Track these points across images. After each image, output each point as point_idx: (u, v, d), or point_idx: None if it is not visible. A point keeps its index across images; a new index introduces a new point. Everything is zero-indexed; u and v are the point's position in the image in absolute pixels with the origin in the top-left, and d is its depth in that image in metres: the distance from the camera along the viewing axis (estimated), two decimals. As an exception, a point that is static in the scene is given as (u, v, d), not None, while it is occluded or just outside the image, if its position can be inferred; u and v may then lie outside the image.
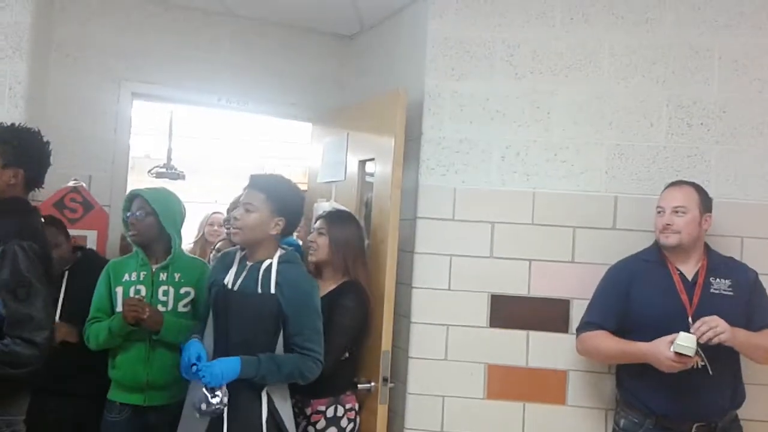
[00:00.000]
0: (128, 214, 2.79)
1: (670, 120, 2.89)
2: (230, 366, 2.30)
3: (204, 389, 2.29)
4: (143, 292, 2.73)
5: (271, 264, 2.45)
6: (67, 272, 2.92)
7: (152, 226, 2.76)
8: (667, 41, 2.90)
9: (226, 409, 2.31)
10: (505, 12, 3.00)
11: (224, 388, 2.30)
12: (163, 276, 2.77)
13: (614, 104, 2.92)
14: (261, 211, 2.43)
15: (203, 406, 2.29)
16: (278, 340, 2.43)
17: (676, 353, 2.27)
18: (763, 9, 2.87)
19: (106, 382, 2.76)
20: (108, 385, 2.76)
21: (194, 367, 2.31)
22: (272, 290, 2.40)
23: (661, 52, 2.90)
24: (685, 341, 2.27)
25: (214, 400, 2.28)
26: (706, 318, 2.31)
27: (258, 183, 2.49)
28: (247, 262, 2.49)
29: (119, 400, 2.72)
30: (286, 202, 2.47)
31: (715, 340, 2.29)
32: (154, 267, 2.77)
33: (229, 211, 3.76)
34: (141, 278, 2.75)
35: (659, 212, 2.56)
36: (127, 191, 3.46)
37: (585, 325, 2.61)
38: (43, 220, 2.53)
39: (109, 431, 2.73)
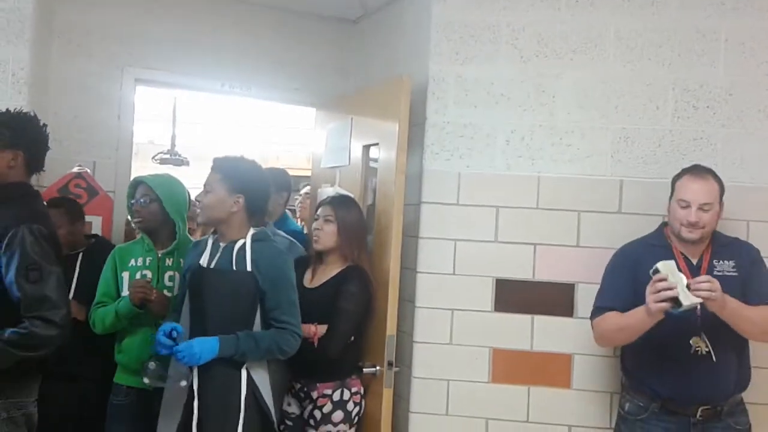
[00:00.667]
0: (132, 201, 2.80)
1: (676, 103, 2.88)
2: (208, 345, 2.35)
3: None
4: (149, 277, 2.75)
5: (244, 243, 2.50)
6: (81, 254, 2.97)
7: (156, 212, 2.77)
8: (673, 24, 2.88)
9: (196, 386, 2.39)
10: (510, -5, 2.98)
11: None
12: (168, 261, 2.79)
13: (620, 88, 2.91)
14: (217, 191, 2.49)
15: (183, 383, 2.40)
16: (256, 318, 2.47)
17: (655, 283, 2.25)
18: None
19: (111, 366, 2.79)
20: (113, 370, 2.79)
21: (174, 348, 2.35)
22: (248, 267, 2.45)
23: (667, 35, 2.88)
24: (663, 266, 2.27)
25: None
26: (708, 276, 2.29)
27: (216, 165, 2.56)
28: (220, 244, 2.53)
29: (125, 383, 2.75)
30: (242, 180, 2.51)
31: (708, 301, 2.25)
32: (160, 252, 2.79)
33: None
34: (147, 263, 2.77)
35: (683, 206, 2.48)
36: (132, 177, 3.48)
37: (596, 311, 2.59)
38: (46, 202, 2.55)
39: (114, 414, 2.76)
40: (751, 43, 2.84)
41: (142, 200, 2.76)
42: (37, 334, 2.10)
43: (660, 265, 2.29)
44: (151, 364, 2.58)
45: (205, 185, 2.54)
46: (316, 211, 2.89)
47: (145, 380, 2.62)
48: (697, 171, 2.54)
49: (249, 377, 2.44)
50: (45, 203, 2.56)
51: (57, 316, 2.13)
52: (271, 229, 2.73)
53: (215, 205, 2.50)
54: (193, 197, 2.99)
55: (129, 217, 3.03)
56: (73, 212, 3.01)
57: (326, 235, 2.79)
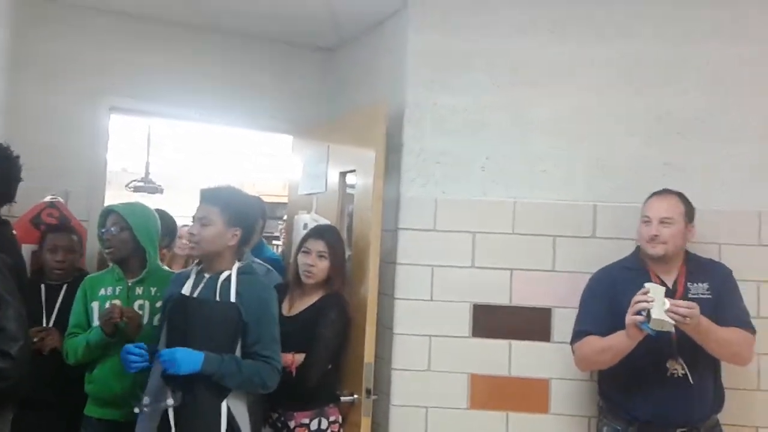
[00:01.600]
0: (103, 230, 2.77)
1: (649, 130, 2.93)
2: (192, 357, 2.30)
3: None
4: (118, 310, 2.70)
5: (230, 275, 2.46)
6: (66, 286, 2.95)
7: (127, 241, 2.75)
8: (646, 53, 2.95)
9: (171, 410, 2.33)
10: (486, 24, 3.02)
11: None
12: (138, 290, 2.76)
13: (593, 115, 2.96)
14: (216, 224, 2.45)
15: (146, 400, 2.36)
16: (237, 351, 2.43)
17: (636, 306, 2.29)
18: (736, 21, 2.93)
19: (83, 397, 2.72)
20: (85, 401, 2.72)
21: (160, 353, 2.33)
22: (233, 299, 2.42)
23: (640, 63, 2.95)
24: (652, 285, 2.32)
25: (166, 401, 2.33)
26: (689, 303, 2.31)
27: (210, 196, 2.51)
28: (205, 275, 2.50)
29: (95, 415, 2.69)
30: (240, 213, 2.49)
31: (683, 322, 2.27)
32: (130, 281, 2.76)
33: None
34: (117, 293, 2.74)
35: (645, 221, 2.57)
36: (104, 206, 3.44)
37: (576, 335, 2.61)
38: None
39: None
40: (722, 70, 2.92)
41: (113, 229, 2.73)
42: None
43: (649, 284, 2.33)
44: (146, 399, 2.42)
45: (200, 218, 2.47)
46: (303, 243, 2.83)
47: (170, 402, 2.38)
48: (661, 191, 2.62)
49: (229, 411, 2.38)
50: (14, 232, 2.52)
51: (13, 349, 2.06)
52: (248, 257, 2.71)
53: (214, 239, 2.45)
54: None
55: (99, 247, 3.00)
56: (80, 242, 3.06)
57: (320, 271, 2.77)
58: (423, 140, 3.02)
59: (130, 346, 2.39)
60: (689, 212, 2.57)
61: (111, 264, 2.81)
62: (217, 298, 2.42)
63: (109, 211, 2.80)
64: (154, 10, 3.54)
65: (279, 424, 2.68)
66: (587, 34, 2.98)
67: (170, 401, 2.33)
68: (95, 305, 2.72)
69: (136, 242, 2.74)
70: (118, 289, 2.74)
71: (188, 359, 2.29)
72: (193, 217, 2.52)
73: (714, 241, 2.82)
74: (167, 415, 2.35)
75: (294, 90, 3.92)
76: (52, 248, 2.96)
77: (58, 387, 2.77)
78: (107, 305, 2.70)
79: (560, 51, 2.98)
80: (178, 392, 2.34)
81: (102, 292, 2.74)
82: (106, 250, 2.78)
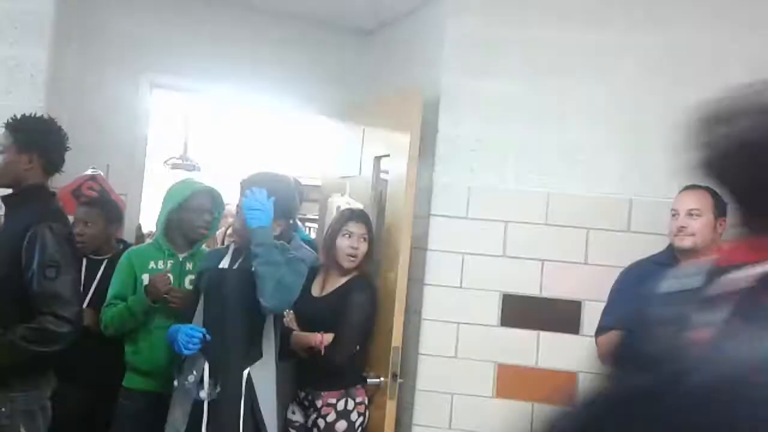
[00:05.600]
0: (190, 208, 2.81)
1: (688, 123, 2.87)
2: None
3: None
4: (170, 281, 2.75)
5: None
6: (106, 261, 2.97)
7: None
8: (688, 43, 2.88)
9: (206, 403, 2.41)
10: (524, 11, 2.99)
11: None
12: (189, 266, 2.79)
13: (631, 106, 2.91)
14: (269, 212, 2.49)
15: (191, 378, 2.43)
16: (270, 319, 2.49)
17: None
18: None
19: (113, 374, 2.75)
20: (115, 379, 2.74)
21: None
22: None
23: (682, 54, 2.88)
24: None
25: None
26: None
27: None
28: (244, 252, 2.55)
29: (136, 386, 2.71)
30: (283, 208, 2.56)
31: None
32: (181, 256, 2.79)
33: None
34: (168, 267, 2.77)
35: (673, 215, 2.55)
36: (144, 180, 3.51)
37: (600, 330, 2.60)
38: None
39: (125, 420, 2.70)
40: (762, 62, 2.83)
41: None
42: (50, 330, 2.14)
43: None
44: (191, 377, 2.45)
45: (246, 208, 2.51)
46: (342, 226, 2.82)
47: (202, 395, 2.45)
48: (691, 185, 2.56)
49: (250, 384, 2.44)
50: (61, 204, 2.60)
51: (69, 313, 2.17)
52: (297, 241, 2.73)
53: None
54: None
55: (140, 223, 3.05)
56: (109, 214, 3.03)
57: (362, 254, 2.79)
58: (458, 127, 3.01)
59: (188, 328, 2.43)
60: (720, 205, 2.52)
61: (156, 237, 2.85)
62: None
63: (201, 191, 2.82)
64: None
65: (306, 403, 2.72)
66: (626, 24, 2.92)
67: (203, 394, 2.40)
68: (145, 278, 2.72)
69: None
70: (169, 263, 2.77)
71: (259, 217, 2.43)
72: (237, 207, 2.56)
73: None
74: (200, 405, 2.41)
75: (330, 71, 3.93)
76: (75, 221, 2.90)
77: (93, 363, 2.72)
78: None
79: (598, 40, 2.94)
80: (217, 386, 2.40)
81: (152, 265, 2.76)
82: (202, 229, 2.80)
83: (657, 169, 2.88)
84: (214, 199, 2.84)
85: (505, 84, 2.99)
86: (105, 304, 2.74)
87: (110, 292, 2.76)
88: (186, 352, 2.42)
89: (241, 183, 2.59)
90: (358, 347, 2.76)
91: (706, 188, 2.54)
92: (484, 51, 3.00)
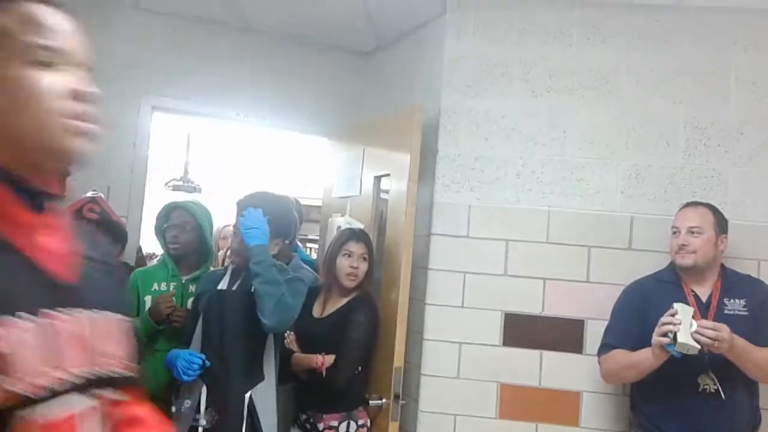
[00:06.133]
0: (166, 224, 2.81)
1: (687, 140, 2.89)
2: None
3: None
4: (173, 301, 2.75)
5: None
6: None
7: (192, 239, 2.81)
8: (684, 61, 2.90)
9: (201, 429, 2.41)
10: (523, 31, 3.01)
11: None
12: (192, 288, 2.79)
13: (631, 124, 2.92)
14: (266, 232, 2.50)
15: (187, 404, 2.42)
16: (269, 340, 2.50)
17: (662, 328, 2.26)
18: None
19: None
20: None
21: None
22: None
23: (678, 73, 2.90)
24: (680, 306, 2.28)
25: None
26: (717, 324, 2.26)
27: (252, 205, 2.55)
28: (242, 272, 2.55)
29: None
30: (280, 226, 2.57)
31: (712, 345, 2.23)
32: (184, 278, 2.79)
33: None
34: (171, 289, 2.77)
35: (674, 232, 2.55)
36: (145, 202, 3.50)
37: (602, 348, 2.59)
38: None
39: None
40: (762, 81, 2.86)
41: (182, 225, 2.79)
42: None
43: (678, 304, 2.29)
44: (187, 402, 2.45)
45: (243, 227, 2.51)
46: (342, 245, 2.81)
47: (201, 422, 2.43)
48: (691, 202, 2.59)
49: (252, 408, 2.42)
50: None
51: None
52: (297, 261, 2.72)
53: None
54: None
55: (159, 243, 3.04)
56: (114, 236, 2.98)
57: (362, 273, 2.79)
58: (458, 146, 3.02)
59: (187, 353, 2.42)
60: (720, 223, 2.52)
61: (163, 259, 2.85)
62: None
63: (174, 207, 2.84)
64: (197, 11, 3.60)
65: (308, 426, 2.70)
66: (625, 43, 2.94)
67: (203, 421, 2.38)
68: (148, 299, 2.74)
69: (199, 240, 2.79)
70: (172, 285, 2.78)
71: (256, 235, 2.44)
72: (234, 227, 2.56)
73: (753, 256, 2.76)
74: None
75: (329, 92, 3.94)
76: None
77: None
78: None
79: (597, 59, 2.95)
80: (214, 413, 2.38)
81: (155, 287, 2.77)
82: (173, 246, 2.80)
83: (657, 186, 2.88)
84: (190, 212, 2.82)
85: (505, 103, 3.00)
86: None
87: None
88: (185, 378, 2.40)
89: (237, 203, 2.59)
90: (359, 368, 2.74)
91: (707, 205, 2.55)
92: (483, 70, 3.02)
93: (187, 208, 2.80)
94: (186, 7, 3.58)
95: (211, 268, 2.95)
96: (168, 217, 2.82)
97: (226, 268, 2.66)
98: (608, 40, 2.96)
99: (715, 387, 2.38)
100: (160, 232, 2.85)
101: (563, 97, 2.97)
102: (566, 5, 2.98)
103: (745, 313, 2.44)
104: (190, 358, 2.40)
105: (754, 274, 2.70)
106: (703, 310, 2.44)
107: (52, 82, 0.94)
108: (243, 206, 2.55)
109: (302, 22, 3.63)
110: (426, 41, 3.34)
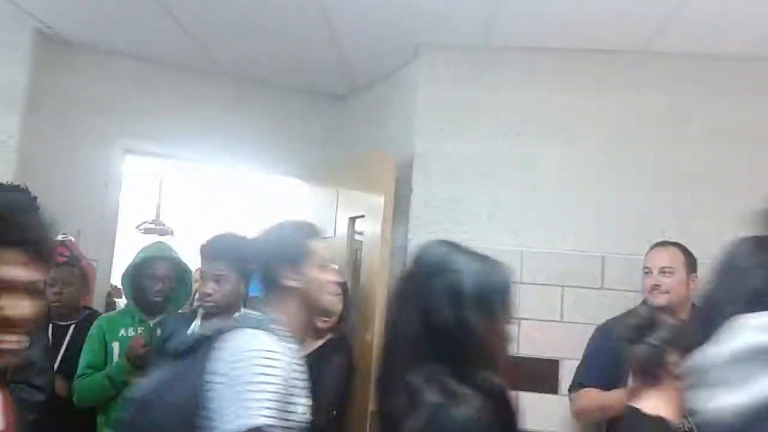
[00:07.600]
0: (152, 271, 2.77)
1: (656, 182, 2.95)
2: None
3: None
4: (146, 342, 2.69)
5: None
6: (73, 326, 2.90)
7: (174, 287, 2.84)
8: (650, 105, 2.99)
9: None
10: (494, 76, 3.08)
11: None
12: (159, 331, 2.73)
13: (599, 166, 2.98)
14: (231, 281, 2.45)
15: None
16: None
17: None
18: (742, 77, 2.96)
19: None
20: None
21: None
22: None
23: (645, 116, 2.98)
24: None
25: None
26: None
27: (216, 252, 2.47)
28: (216, 318, 2.49)
29: None
30: (241, 268, 2.47)
31: None
32: (152, 322, 2.74)
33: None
34: (139, 333, 2.71)
35: (646, 272, 2.58)
36: (116, 246, 3.45)
37: (574, 386, 2.59)
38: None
39: None
40: (724, 125, 2.95)
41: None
42: (24, 399, 2.06)
43: None
44: None
45: (213, 275, 2.46)
46: None
47: None
48: (661, 242, 2.62)
49: None
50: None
51: (42, 381, 2.13)
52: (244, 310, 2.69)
53: (232, 293, 2.46)
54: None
55: (111, 289, 3.00)
56: (84, 278, 3.02)
57: (335, 314, 2.75)
58: (431, 187, 3.04)
59: None
60: (690, 262, 2.56)
61: (124, 304, 2.82)
62: None
63: (158, 258, 2.78)
64: (168, 55, 3.62)
65: (281, 472, 2.64)
66: (591, 87, 3.02)
67: None
68: (116, 346, 2.66)
69: (177, 288, 2.82)
70: (140, 330, 2.72)
71: None
72: (202, 273, 2.52)
73: (722, 294, 2.80)
74: None
75: (304, 135, 3.97)
76: (51, 281, 2.81)
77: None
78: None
79: (565, 102, 3.03)
80: None
81: (123, 332, 2.70)
82: (156, 298, 2.76)
83: (628, 227, 2.93)
84: (174, 266, 2.80)
85: (477, 145, 3.05)
86: (78, 375, 2.65)
87: (82, 361, 2.67)
88: None
89: (200, 248, 2.55)
90: (334, 412, 2.70)
91: (676, 245, 2.59)
92: (455, 113, 3.07)
93: (173, 262, 2.79)
94: (157, 52, 3.60)
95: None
96: (141, 264, 2.76)
97: (195, 311, 2.61)
98: (576, 85, 3.04)
99: (689, 426, 2.38)
100: (134, 279, 2.77)
101: (533, 140, 3.03)
102: (535, 50, 3.06)
103: (716, 351, 2.46)
104: None
105: (723, 312, 2.73)
106: (674, 348, 2.46)
107: None
108: (205, 250, 2.51)
109: (274, 67, 3.66)
110: (399, 85, 3.40)
